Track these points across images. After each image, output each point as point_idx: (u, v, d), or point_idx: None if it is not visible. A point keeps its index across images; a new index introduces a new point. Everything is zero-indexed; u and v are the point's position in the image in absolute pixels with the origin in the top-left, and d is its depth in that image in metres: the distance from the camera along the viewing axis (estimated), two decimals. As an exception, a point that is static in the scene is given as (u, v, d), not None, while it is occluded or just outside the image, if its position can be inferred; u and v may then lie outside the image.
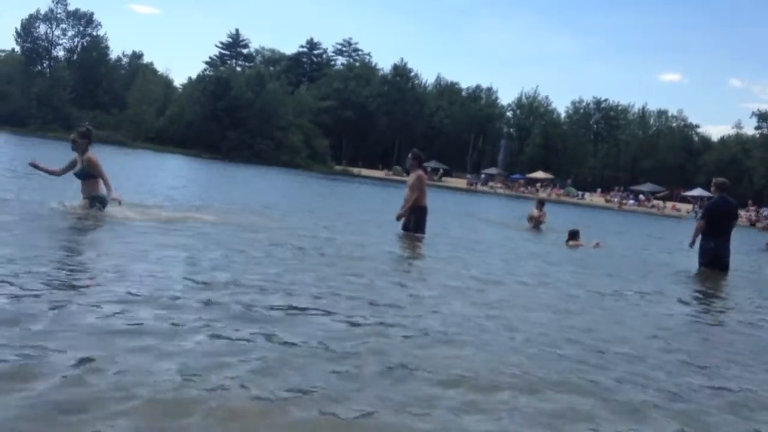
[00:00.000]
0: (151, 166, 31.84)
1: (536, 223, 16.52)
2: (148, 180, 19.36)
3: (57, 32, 79.55)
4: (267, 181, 31.22)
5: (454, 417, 3.00)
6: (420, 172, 10.82)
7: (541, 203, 17.57)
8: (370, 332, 4.27)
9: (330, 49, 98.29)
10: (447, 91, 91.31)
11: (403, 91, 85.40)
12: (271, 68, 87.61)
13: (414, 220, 10.57)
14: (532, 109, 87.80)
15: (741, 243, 17.11)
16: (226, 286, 5.15)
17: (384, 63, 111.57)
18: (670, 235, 22.84)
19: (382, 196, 29.63)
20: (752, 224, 44.71)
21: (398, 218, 10.75)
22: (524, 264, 9.34)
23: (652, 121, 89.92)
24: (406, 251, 9.41)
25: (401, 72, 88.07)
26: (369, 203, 23.44)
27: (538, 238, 14.86)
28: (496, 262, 9.05)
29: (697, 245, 10.54)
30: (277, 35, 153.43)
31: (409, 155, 11.00)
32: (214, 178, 28.45)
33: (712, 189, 10.72)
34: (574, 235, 13.24)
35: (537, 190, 62.40)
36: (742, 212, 38.13)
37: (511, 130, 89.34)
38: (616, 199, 59.53)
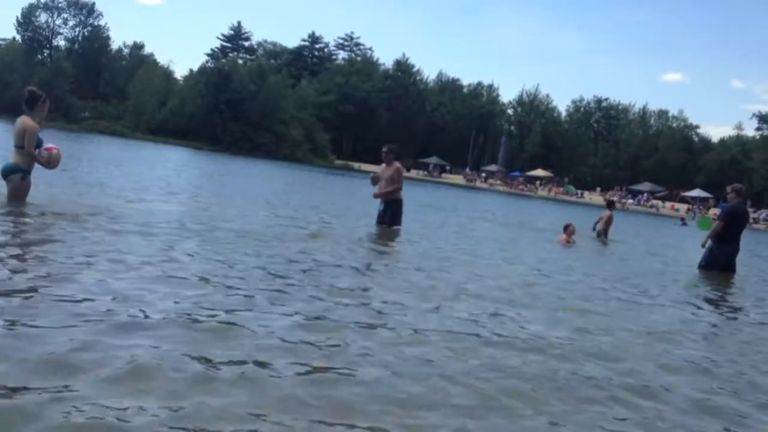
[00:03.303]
0: (129, 157, 31.60)
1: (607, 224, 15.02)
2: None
3: (58, 21, 79.52)
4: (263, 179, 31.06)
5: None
6: (398, 164, 10.81)
7: (610, 204, 16.02)
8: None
9: (332, 44, 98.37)
10: (448, 87, 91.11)
11: (404, 86, 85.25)
12: (273, 61, 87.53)
13: (390, 214, 10.66)
14: (532, 107, 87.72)
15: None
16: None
17: (385, 58, 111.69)
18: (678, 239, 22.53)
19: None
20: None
21: (375, 197, 10.89)
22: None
23: (652, 120, 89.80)
24: (384, 245, 9.39)
25: (403, 67, 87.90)
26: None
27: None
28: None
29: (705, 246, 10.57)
30: (279, 28, 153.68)
31: (385, 148, 10.84)
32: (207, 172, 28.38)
33: (731, 195, 10.69)
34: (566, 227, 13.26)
35: (536, 188, 62.38)
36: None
37: (512, 127, 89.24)
38: (615, 198, 59.46)
